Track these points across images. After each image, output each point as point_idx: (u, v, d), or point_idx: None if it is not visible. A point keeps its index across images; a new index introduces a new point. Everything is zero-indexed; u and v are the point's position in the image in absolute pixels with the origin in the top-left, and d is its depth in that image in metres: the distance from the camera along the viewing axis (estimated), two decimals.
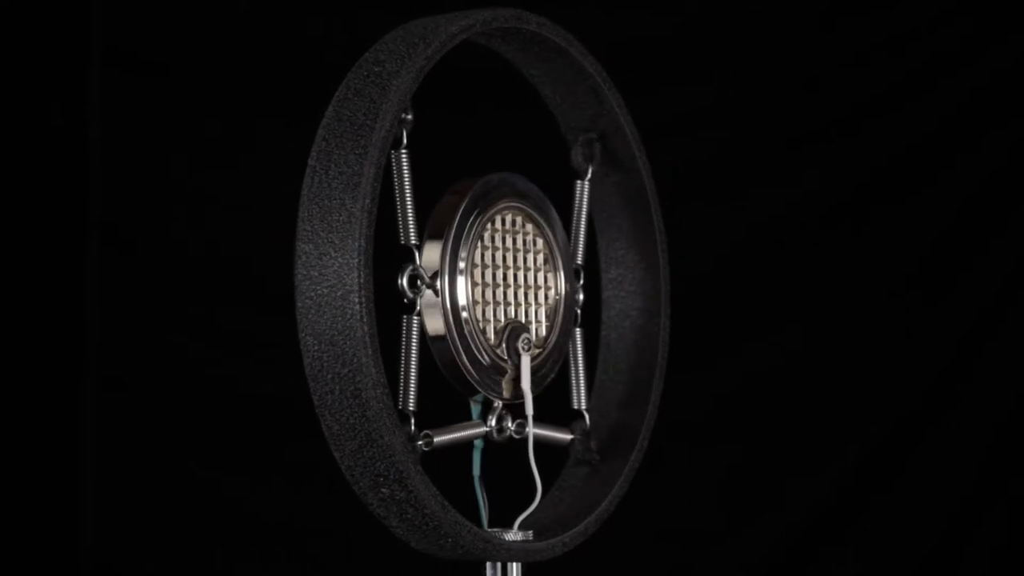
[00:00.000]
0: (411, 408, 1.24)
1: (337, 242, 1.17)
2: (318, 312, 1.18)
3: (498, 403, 1.33)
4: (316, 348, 1.18)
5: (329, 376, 1.18)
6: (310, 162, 1.20)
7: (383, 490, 1.21)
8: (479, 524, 1.31)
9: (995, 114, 2.46)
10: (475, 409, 1.33)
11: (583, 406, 1.43)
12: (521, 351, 1.32)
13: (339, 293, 1.17)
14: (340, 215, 1.18)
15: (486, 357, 1.30)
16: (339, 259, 1.17)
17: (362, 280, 1.16)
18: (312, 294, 1.18)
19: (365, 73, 1.23)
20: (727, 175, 2.46)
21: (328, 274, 1.18)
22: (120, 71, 2.47)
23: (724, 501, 2.46)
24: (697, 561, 2.46)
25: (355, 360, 1.17)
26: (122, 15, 2.47)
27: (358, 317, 1.16)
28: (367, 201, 1.17)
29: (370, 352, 1.17)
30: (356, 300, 1.16)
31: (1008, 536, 2.43)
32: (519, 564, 1.32)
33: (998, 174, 2.46)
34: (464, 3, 1.33)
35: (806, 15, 2.48)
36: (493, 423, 1.32)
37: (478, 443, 1.33)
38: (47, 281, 2.43)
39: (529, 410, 1.33)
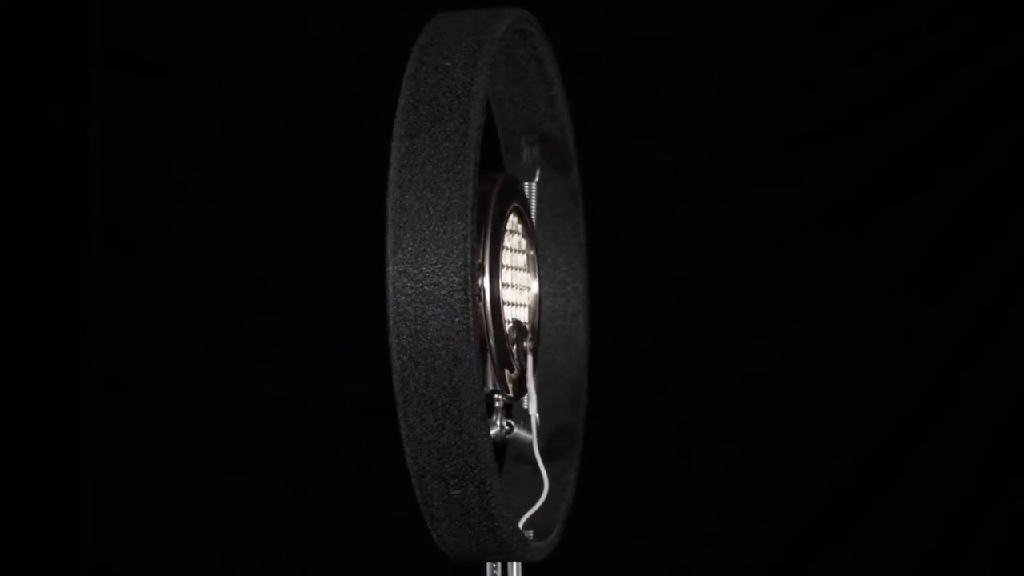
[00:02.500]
0: None
1: (442, 240, 1.17)
2: (419, 308, 1.17)
3: (498, 403, 1.32)
4: (412, 346, 1.17)
5: (423, 374, 1.17)
6: (396, 158, 1.19)
7: (454, 491, 1.19)
8: None
9: (995, 114, 2.46)
10: None
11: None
12: (527, 350, 1.32)
13: (444, 291, 1.16)
14: (443, 214, 1.17)
15: (511, 355, 1.31)
16: (445, 257, 1.17)
17: (469, 277, 1.16)
18: (411, 291, 1.17)
19: (434, 68, 1.21)
20: (727, 175, 2.46)
21: (432, 271, 1.17)
22: (120, 71, 2.47)
23: (724, 501, 2.46)
24: (697, 561, 2.46)
25: (458, 357, 1.16)
26: (122, 15, 2.47)
27: (463, 313, 1.16)
28: (472, 201, 1.17)
29: (474, 351, 1.16)
30: (462, 298, 1.16)
31: (1008, 536, 2.43)
32: (519, 564, 1.32)
33: (998, 174, 2.46)
34: (462, 2, 1.33)
35: (806, 15, 2.48)
36: (498, 423, 1.32)
37: None
38: (47, 281, 2.43)
39: (533, 409, 1.33)
